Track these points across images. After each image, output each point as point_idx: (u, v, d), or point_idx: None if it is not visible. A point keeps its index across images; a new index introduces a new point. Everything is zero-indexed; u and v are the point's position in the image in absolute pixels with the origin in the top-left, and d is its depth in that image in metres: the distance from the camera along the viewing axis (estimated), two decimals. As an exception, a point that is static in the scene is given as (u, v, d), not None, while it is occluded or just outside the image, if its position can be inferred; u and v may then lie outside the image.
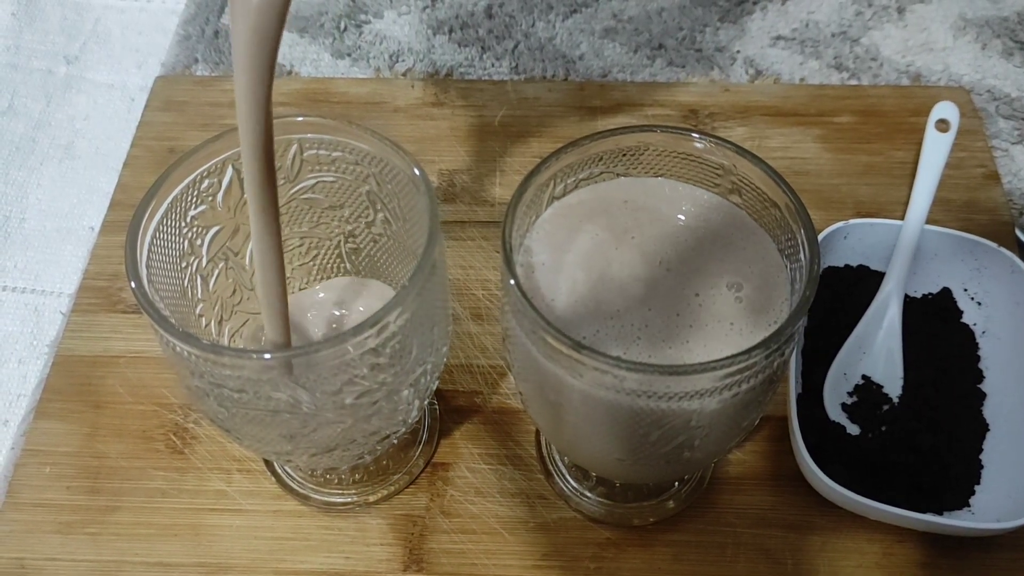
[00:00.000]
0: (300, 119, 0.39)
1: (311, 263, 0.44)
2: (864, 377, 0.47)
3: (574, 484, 0.46)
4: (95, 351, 0.51)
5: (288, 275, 0.38)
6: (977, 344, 0.48)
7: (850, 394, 0.47)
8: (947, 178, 0.56)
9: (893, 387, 0.47)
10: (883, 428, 0.45)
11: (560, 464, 0.47)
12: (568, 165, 0.38)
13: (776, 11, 0.67)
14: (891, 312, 0.48)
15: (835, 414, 0.46)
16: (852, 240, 0.51)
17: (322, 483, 0.46)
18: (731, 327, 0.36)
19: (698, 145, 0.38)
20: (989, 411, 0.46)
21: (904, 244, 0.50)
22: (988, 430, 0.45)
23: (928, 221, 0.51)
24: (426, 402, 0.41)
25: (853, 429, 0.46)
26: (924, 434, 0.44)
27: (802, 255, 0.35)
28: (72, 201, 0.59)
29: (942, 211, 0.55)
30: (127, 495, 0.46)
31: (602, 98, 0.62)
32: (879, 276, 0.50)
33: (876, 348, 0.48)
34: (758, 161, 0.37)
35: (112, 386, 0.49)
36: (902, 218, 0.51)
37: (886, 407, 0.46)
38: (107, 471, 0.47)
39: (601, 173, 0.39)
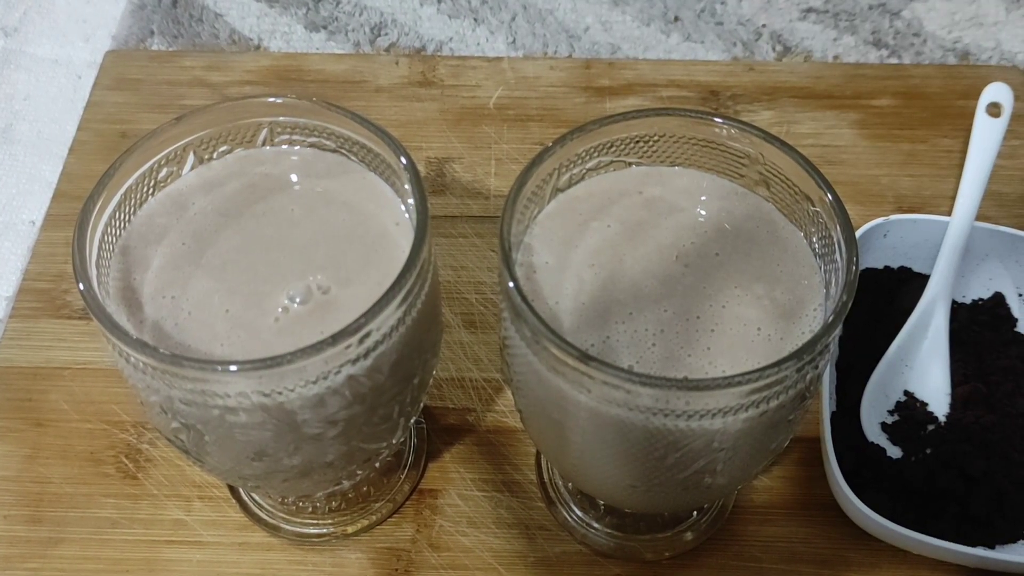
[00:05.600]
0: (271, 100, 0.39)
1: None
2: (906, 393, 0.48)
3: (579, 514, 0.46)
4: (36, 361, 0.51)
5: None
6: (1034, 356, 0.48)
7: (891, 412, 0.47)
8: (999, 169, 0.56)
9: (939, 405, 0.47)
10: (928, 451, 0.45)
11: (564, 491, 0.47)
12: (575, 153, 0.38)
13: (807, -20, 0.68)
14: (937, 320, 0.48)
15: (874, 435, 0.46)
16: (893, 238, 0.51)
17: (294, 512, 0.46)
18: (758, 332, 0.36)
19: (720, 131, 0.38)
20: (1047, 431, 0.46)
21: (951, 243, 0.50)
22: (1046, 453, 0.46)
23: (978, 217, 0.51)
24: (412, 420, 0.41)
25: (894, 452, 0.46)
26: (974, 458, 0.44)
27: (838, 255, 0.35)
28: (11, 192, 0.59)
29: (994, 206, 0.55)
30: (72, 525, 0.46)
31: (611, 77, 0.62)
32: (923, 279, 0.50)
33: (920, 360, 0.48)
34: (788, 149, 0.37)
35: (56, 401, 0.49)
36: (949, 214, 0.52)
37: (931, 427, 0.46)
38: (50, 498, 0.47)
39: (611, 162, 0.40)
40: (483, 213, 0.56)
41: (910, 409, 0.47)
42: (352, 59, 0.64)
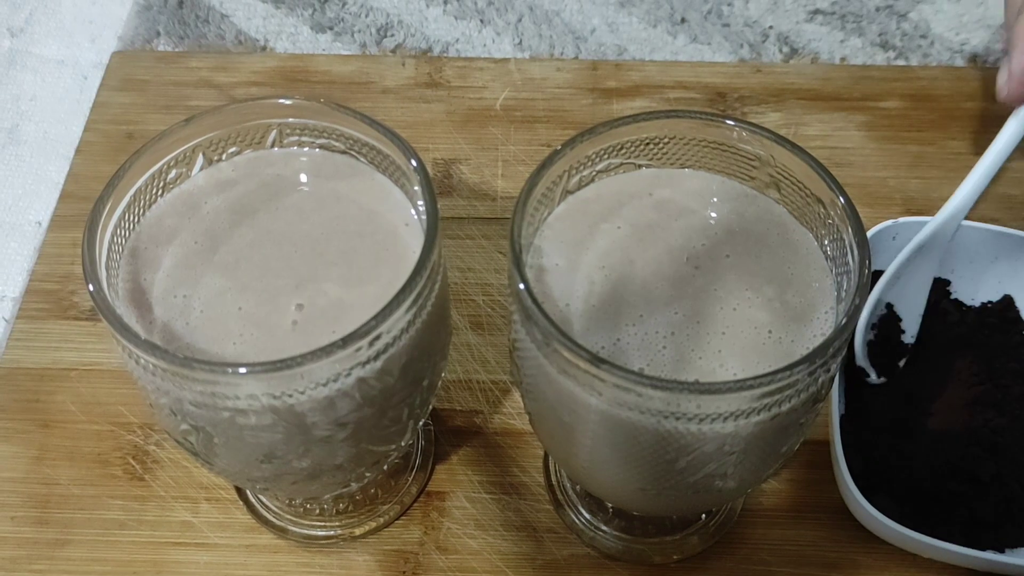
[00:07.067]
0: (281, 101, 0.39)
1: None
2: (888, 306, 0.49)
3: (587, 516, 0.46)
4: (43, 362, 0.51)
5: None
6: (1043, 359, 0.48)
7: (874, 327, 0.49)
8: (1008, 171, 0.56)
9: (911, 323, 0.49)
10: (937, 454, 0.45)
11: (572, 493, 0.47)
12: (585, 155, 0.38)
13: (814, -18, 0.68)
14: (941, 239, 0.49)
15: (861, 358, 0.48)
16: (901, 241, 0.51)
17: (301, 514, 0.46)
18: (769, 335, 0.36)
19: (731, 133, 0.38)
20: (1057, 435, 0.46)
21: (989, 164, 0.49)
22: (1056, 456, 0.45)
23: (987, 220, 0.51)
24: (421, 423, 0.41)
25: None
26: (984, 461, 0.44)
27: (850, 258, 0.35)
28: (17, 192, 0.59)
29: (1003, 208, 0.55)
30: (80, 527, 0.46)
31: (617, 79, 0.62)
32: (933, 281, 0.50)
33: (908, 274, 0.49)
34: (799, 151, 0.37)
35: (63, 402, 0.49)
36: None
37: (902, 359, 0.48)
38: (57, 499, 0.46)
39: (621, 164, 0.40)
40: (490, 215, 0.56)
41: (888, 328, 0.48)
42: (358, 60, 0.64)
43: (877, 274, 0.51)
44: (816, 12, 0.66)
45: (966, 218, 0.50)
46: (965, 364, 0.48)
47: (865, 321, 0.48)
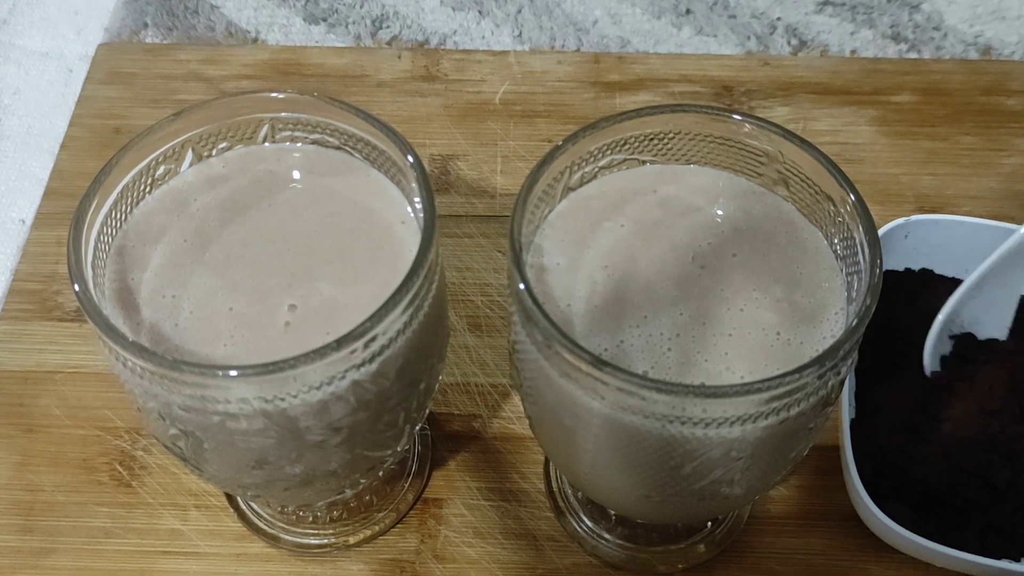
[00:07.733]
0: (273, 95, 0.39)
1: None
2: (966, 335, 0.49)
3: (590, 524, 0.46)
4: (27, 365, 0.50)
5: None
6: (1060, 362, 0.48)
7: (951, 338, 0.48)
8: (1022, 168, 0.56)
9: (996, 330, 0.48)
10: (951, 460, 0.45)
11: (573, 500, 0.46)
12: (587, 151, 0.38)
13: (823, -28, 0.68)
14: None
15: (933, 364, 0.48)
16: (914, 240, 0.50)
17: (294, 521, 0.46)
18: (777, 337, 0.36)
19: (738, 128, 0.38)
20: (1074, 440, 0.46)
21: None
22: (1073, 463, 0.45)
23: (1001, 218, 0.51)
24: (418, 427, 0.40)
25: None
26: (999, 468, 0.44)
27: (861, 258, 0.35)
28: (0, 189, 0.59)
29: (1019, 207, 0.55)
30: (65, 535, 0.46)
31: (620, 72, 0.62)
32: (946, 282, 0.50)
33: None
34: (809, 147, 0.37)
35: (47, 406, 0.49)
36: (970, 214, 0.51)
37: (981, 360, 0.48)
38: (41, 507, 0.46)
39: (625, 160, 0.39)
40: (489, 212, 0.56)
41: (964, 344, 0.48)
42: (353, 52, 0.64)
43: (887, 274, 0.50)
44: (825, 3, 0.66)
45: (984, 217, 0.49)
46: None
47: (938, 330, 0.47)
